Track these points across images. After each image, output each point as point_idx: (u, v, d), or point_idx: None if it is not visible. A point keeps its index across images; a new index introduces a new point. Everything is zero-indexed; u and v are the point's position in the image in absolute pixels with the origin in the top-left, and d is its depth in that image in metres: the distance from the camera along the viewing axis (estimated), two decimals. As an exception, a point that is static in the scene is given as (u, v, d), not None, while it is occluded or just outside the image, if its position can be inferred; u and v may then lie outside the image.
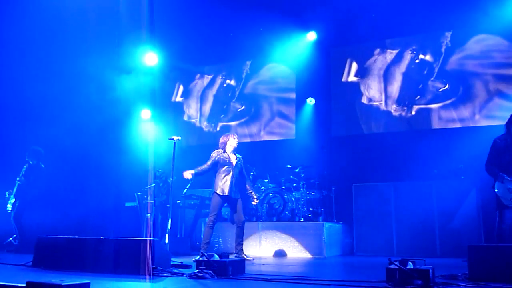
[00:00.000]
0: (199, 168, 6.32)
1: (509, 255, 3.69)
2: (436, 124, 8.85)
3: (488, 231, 7.37)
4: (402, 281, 3.23)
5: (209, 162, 6.34)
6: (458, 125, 8.67)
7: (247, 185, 6.64)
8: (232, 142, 6.46)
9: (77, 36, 8.81)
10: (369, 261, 6.60)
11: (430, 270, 3.28)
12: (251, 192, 6.59)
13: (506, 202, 4.96)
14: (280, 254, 7.48)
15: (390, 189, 8.19)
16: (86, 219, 8.63)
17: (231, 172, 6.32)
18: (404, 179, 8.16)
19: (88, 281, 2.76)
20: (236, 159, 6.47)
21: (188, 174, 6.21)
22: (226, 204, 6.50)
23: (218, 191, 6.24)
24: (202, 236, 6.41)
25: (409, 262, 3.33)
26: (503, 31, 8.40)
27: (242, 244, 6.33)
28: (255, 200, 6.64)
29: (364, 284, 3.53)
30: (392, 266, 3.33)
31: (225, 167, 6.32)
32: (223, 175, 6.29)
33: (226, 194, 6.22)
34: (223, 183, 6.25)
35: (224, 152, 6.42)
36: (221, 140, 6.51)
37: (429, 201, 7.79)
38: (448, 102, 8.80)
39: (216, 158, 6.35)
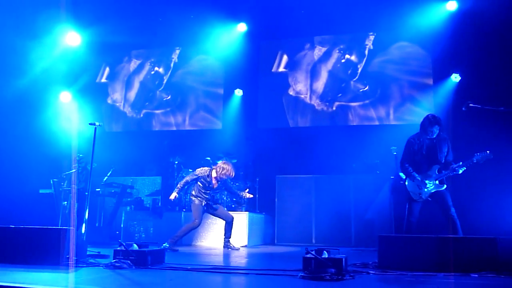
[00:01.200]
0: (180, 184, 6.56)
1: (414, 245, 3.99)
2: (355, 121, 9.31)
3: (398, 223, 7.89)
4: (317, 270, 3.37)
5: (188, 179, 6.59)
6: (374, 123, 9.18)
7: (236, 196, 7.22)
8: (223, 176, 6.51)
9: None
10: (289, 250, 6.81)
11: (343, 259, 3.45)
12: (241, 194, 6.87)
13: (415, 197, 5.35)
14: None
15: (311, 182, 8.49)
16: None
17: (209, 194, 6.56)
18: (324, 172, 8.49)
19: (-8, 272, 2.58)
20: (218, 183, 6.61)
21: (173, 196, 6.54)
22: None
23: (197, 202, 6.50)
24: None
25: (324, 251, 3.48)
26: (421, 41, 8.99)
27: (230, 237, 6.67)
28: (246, 194, 6.86)
29: (282, 272, 3.64)
30: (308, 256, 3.47)
31: (204, 187, 6.52)
32: (201, 192, 6.51)
33: (204, 206, 6.53)
34: (202, 198, 6.50)
35: (208, 176, 6.53)
36: (219, 170, 6.47)
37: (347, 194, 8.18)
38: (367, 101, 9.28)
39: (198, 176, 6.53)
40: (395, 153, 7.57)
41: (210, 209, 6.61)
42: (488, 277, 3.53)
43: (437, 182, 5.25)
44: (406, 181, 5.45)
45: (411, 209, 5.37)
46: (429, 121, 5.29)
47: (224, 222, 6.74)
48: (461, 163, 5.15)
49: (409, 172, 5.37)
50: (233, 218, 6.74)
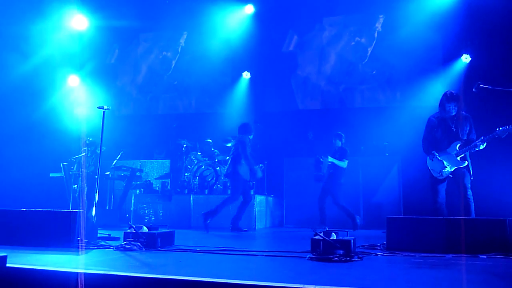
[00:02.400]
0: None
1: (422, 226, 3.98)
2: (363, 103, 9.22)
3: (406, 204, 7.88)
4: (326, 251, 3.39)
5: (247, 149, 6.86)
6: (382, 105, 9.09)
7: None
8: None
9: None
10: (297, 232, 6.85)
11: (352, 241, 3.46)
12: None
13: (435, 175, 5.26)
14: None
15: (319, 164, 8.46)
16: (6, 189, 8.12)
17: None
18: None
19: (5, 254, 2.63)
20: None
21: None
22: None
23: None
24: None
25: (333, 233, 3.49)
26: (431, 24, 8.75)
27: (239, 220, 6.79)
28: None
29: (290, 254, 3.66)
30: (317, 237, 3.48)
31: (251, 157, 6.86)
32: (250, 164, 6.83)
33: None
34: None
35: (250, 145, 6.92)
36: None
37: (355, 176, 8.17)
38: (374, 84, 9.18)
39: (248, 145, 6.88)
40: (310, 137, 7.64)
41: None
42: (497, 258, 3.52)
43: (458, 158, 5.16)
44: (427, 159, 5.39)
45: (436, 190, 5.26)
46: (446, 98, 5.19)
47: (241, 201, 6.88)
48: (482, 137, 5.01)
49: (430, 151, 5.32)
50: (251, 199, 6.94)
